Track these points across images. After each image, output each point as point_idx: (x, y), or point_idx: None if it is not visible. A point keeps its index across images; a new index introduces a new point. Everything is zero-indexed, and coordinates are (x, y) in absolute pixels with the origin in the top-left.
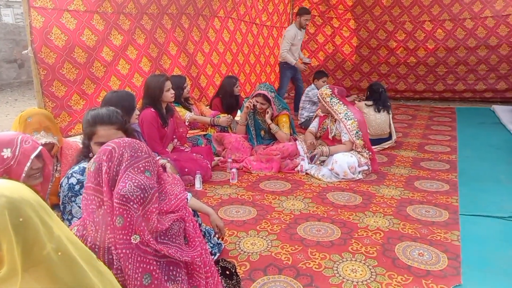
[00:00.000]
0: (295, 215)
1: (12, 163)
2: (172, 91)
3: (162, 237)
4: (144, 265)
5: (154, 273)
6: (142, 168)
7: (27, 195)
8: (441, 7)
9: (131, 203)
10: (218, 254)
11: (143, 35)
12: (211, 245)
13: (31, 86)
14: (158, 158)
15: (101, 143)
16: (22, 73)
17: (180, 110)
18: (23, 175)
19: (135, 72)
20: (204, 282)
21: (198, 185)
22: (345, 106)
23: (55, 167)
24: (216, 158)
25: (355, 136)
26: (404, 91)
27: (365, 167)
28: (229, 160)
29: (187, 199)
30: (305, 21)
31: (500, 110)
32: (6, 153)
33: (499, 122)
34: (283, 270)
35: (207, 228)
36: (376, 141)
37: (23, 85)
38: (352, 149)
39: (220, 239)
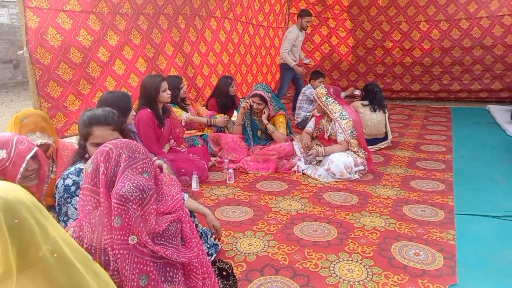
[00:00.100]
0: (291, 215)
1: (7, 164)
2: (169, 92)
3: (159, 238)
4: (141, 266)
5: (151, 274)
6: (140, 169)
7: (23, 197)
8: (436, 8)
9: (130, 204)
10: (214, 255)
11: (139, 35)
12: (208, 245)
13: (26, 86)
14: (154, 158)
15: (97, 144)
16: (17, 74)
17: (176, 111)
18: (19, 176)
19: (131, 73)
20: (201, 283)
21: (194, 185)
22: (340, 106)
23: (51, 168)
24: (212, 159)
25: (349, 136)
26: (400, 91)
27: (361, 167)
28: (226, 160)
29: (184, 200)
30: (307, 23)
31: (495, 110)
32: (1, 154)
33: (494, 122)
34: (279, 271)
35: (203, 228)
36: (372, 141)
37: (18, 86)
38: (348, 149)
39: (216, 240)
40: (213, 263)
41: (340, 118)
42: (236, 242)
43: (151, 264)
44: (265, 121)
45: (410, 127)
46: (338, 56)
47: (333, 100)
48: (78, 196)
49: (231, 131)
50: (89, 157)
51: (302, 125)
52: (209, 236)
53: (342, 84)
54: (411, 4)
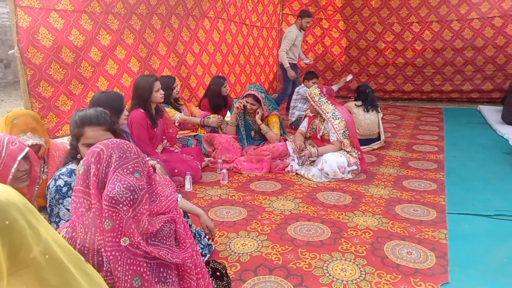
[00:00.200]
0: (285, 215)
1: None
2: (162, 92)
3: (153, 239)
4: (134, 267)
5: (144, 275)
6: (131, 169)
7: (14, 198)
8: (428, 9)
9: (121, 205)
10: (208, 255)
11: (132, 35)
12: (202, 246)
13: (17, 86)
14: (147, 159)
15: (89, 145)
16: (8, 73)
17: (169, 111)
18: (10, 177)
19: (123, 73)
20: (195, 284)
21: (188, 186)
22: (333, 106)
23: (42, 169)
24: (206, 159)
25: (342, 136)
26: (392, 92)
27: (355, 167)
28: (220, 160)
29: (177, 201)
30: (306, 23)
31: (486, 110)
32: None
33: (485, 122)
34: (273, 270)
35: (197, 229)
36: (366, 141)
37: (9, 86)
38: (341, 149)
39: (210, 240)
40: (207, 263)
41: (333, 118)
42: (230, 243)
43: (145, 265)
44: (259, 121)
45: (403, 127)
46: (331, 56)
47: (326, 100)
48: (70, 197)
49: (224, 131)
50: (81, 157)
51: (296, 125)
52: (202, 237)
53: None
54: (403, 6)
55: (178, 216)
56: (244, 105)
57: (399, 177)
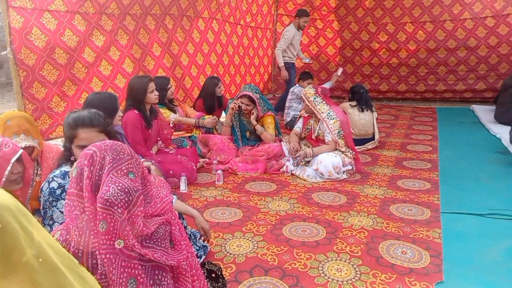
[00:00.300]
0: (280, 215)
1: None
2: (156, 93)
3: (148, 241)
4: (129, 270)
5: (139, 278)
6: (125, 170)
7: (6, 200)
8: (422, 9)
9: (115, 208)
10: (203, 257)
11: (126, 35)
12: (197, 247)
13: (10, 88)
14: (142, 160)
15: (83, 146)
16: (1, 75)
17: (164, 112)
18: (4, 179)
19: (117, 73)
20: (190, 286)
21: (183, 187)
22: (328, 106)
23: (36, 171)
24: (201, 160)
25: (337, 136)
26: (386, 92)
27: (349, 167)
28: (215, 161)
29: (172, 202)
30: (304, 23)
31: (479, 109)
32: None
33: (478, 122)
34: (269, 271)
35: (192, 230)
36: (361, 141)
37: (2, 87)
38: (336, 149)
39: (205, 242)
40: (202, 265)
41: (328, 118)
42: (225, 244)
43: (140, 267)
44: (254, 122)
45: (397, 127)
46: (326, 57)
47: (321, 100)
48: (63, 199)
49: (219, 132)
50: (75, 159)
51: (291, 125)
52: (197, 238)
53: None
54: (397, 6)
55: (173, 217)
56: (239, 106)
57: (394, 177)
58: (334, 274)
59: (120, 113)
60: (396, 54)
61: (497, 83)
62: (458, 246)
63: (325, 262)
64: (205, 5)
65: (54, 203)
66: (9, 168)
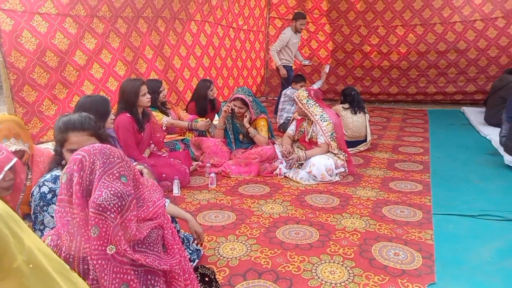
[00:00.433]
0: (274, 218)
1: None
2: (148, 96)
3: (140, 245)
4: (121, 275)
5: (131, 283)
6: (117, 174)
7: None
8: (412, 12)
9: (108, 213)
10: (197, 261)
11: (117, 38)
12: (190, 251)
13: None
14: (134, 164)
15: (74, 150)
16: None
17: (157, 115)
18: None
19: (109, 76)
20: None
21: (176, 190)
22: (321, 108)
23: (26, 175)
24: (194, 163)
25: (330, 138)
26: (378, 94)
27: (342, 169)
28: (208, 164)
29: (165, 206)
30: (301, 25)
31: (469, 111)
32: None
33: (469, 124)
34: (262, 274)
35: (185, 234)
36: (353, 144)
37: None
38: (328, 151)
39: (199, 245)
40: (195, 269)
41: (321, 120)
42: (219, 247)
43: (132, 272)
44: (247, 125)
45: (389, 129)
46: (318, 59)
47: (314, 102)
48: (54, 204)
49: (212, 135)
50: (66, 163)
51: (283, 128)
52: (191, 242)
53: (322, 87)
54: (388, 9)
55: (165, 221)
56: (232, 109)
57: (386, 178)
58: (328, 276)
59: (112, 116)
60: (388, 57)
61: (487, 85)
62: (449, 247)
63: (319, 265)
64: (197, 8)
65: (45, 208)
66: (1, 175)
